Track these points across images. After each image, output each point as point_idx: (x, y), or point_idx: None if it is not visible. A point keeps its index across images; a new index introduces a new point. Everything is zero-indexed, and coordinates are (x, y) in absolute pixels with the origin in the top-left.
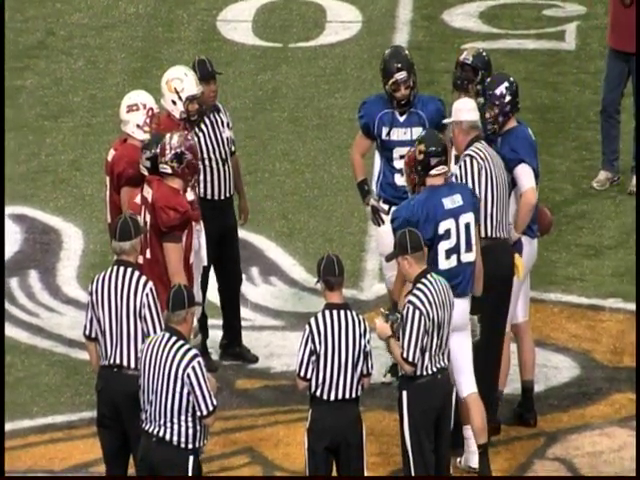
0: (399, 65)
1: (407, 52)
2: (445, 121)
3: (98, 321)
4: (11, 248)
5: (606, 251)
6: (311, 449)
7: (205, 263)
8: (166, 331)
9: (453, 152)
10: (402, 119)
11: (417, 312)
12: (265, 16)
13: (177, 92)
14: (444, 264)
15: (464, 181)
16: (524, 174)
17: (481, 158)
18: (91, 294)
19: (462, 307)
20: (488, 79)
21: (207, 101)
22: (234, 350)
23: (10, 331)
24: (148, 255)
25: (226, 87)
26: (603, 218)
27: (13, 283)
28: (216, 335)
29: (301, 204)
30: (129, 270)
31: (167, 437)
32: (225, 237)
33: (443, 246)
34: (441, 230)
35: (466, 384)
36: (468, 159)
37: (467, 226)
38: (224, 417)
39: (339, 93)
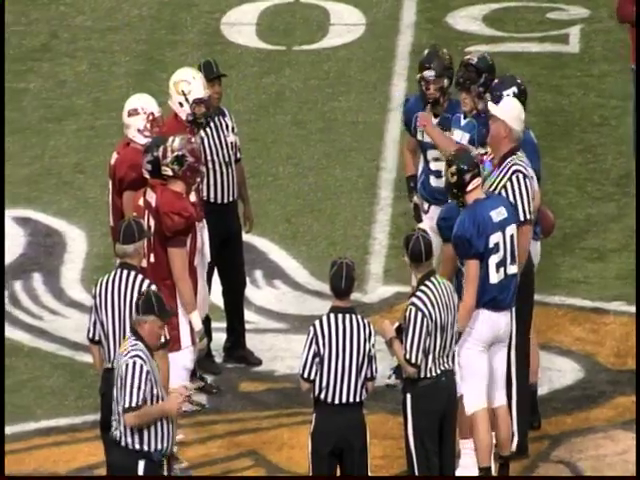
0: (429, 64)
1: (447, 55)
2: (493, 111)
3: (101, 324)
4: (15, 251)
5: (610, 254)
6: (315, 453)
7: (208, 259)
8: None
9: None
10: (434, 122)
11: (419, 314)
12: (269, 19)
13: (184, 94)
14: (494, 278)
15: (516, 197)
16: None
17: (531, 176)
18: (95, 297)
19: (506, 320)
20: (497, 79)
21: (211, 103)
22: (238, 353)
23: (14, 334)
24: (152, 259)
25: (229, 90)
26: (607, 221)
27: (17, 286)
28: (220, 338)
29: (305, 207)
30: (132, 273)
31: (117, 437)
32: (228, 241)
33: (493, 259)
34: (491, 243)
35: (500, 396)
36: (522, 177)
37: (512, 238)
38: (228, 420)
39: (343, 96)
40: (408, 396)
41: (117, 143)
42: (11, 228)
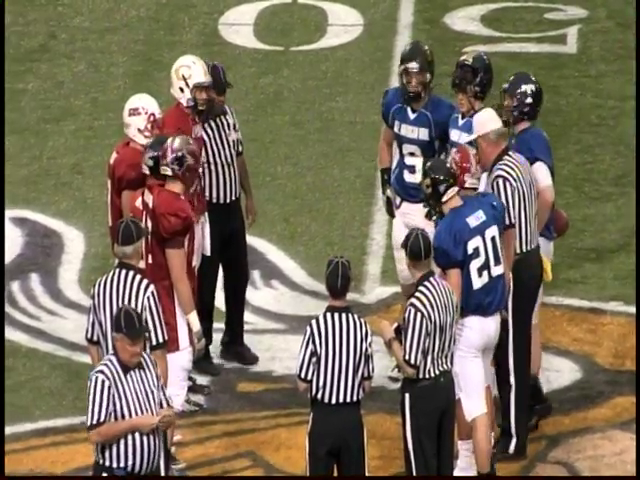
0: (413, 55)
1: (428, 50)
2: (469, 139)
3: (100, 324)
4: (13, 251)
5: (608, 254)
6: (312, 453)
7: (208, 253)
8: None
9: (478, 168)
10: (412, 117)
11: (419, 314)
12: (267, 19)
13: (185, 79)
14: (477, 282)
15: None
16: (540, 172)
17: (514, 179)
18: (93, 297)
19: (496, 324)
20: (513, 77)
21: (216, 107)
22: (235, 349)
23: (11, 334)
24: (150, 260)
25: (228, 90)
26: (605, 221)
27: (14, 286)
28: (219, 339)
29: (302, 207)
30: (131, 273)
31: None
32: (231, 240)
33: (474, 265)
34: (470, 249)
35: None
36: (501, 181)
37: (493, 239)
38: (226, 420)
39: (340, 96)
40: (406, 396)
41: (115, 143)
42: (9, 228)
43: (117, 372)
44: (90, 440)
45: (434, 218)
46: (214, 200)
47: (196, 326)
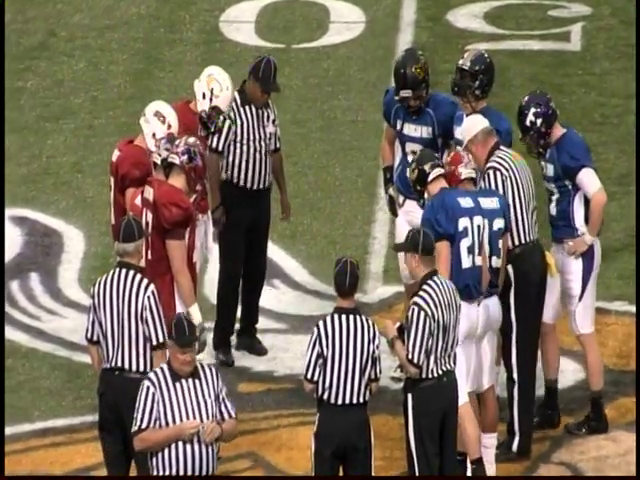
0: (404, 82)
1: (416, 66)
2: (464, 142)
3: (100, 324)
4: (12, 250)
5: (612, 254)
6: (318, 453)
7: (211, 253)
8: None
9: (470, 158)
10: (414, 116)
11: (422, 313)
12: (268, 17)
13: (212, 93)
14: (466, 262)
15: None
16: (589, 177)
17: (505, 169)
18: (93, 297)
19: (477, 312)
20: (525, 97)
21: (259, 101)
22: (246, 339)
23: (11, 334)
24: (149, 256)
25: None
26: (608, 220)
27: (14, 286)
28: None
29: (304, 206)
30: (131, 272)
31: None
32: (254, 227)
33: (464, 243)
34: (460, 227)
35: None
36: (492, 172)
37: (478, 228)
38: None
39: (342, 95)
40: (409, 396)
41: (115, 142)
42: (9, 228)
43: (165, 379)
44: (135, 446)
45: (421, 202)
46: (241, 183)
47: (197, 319)
